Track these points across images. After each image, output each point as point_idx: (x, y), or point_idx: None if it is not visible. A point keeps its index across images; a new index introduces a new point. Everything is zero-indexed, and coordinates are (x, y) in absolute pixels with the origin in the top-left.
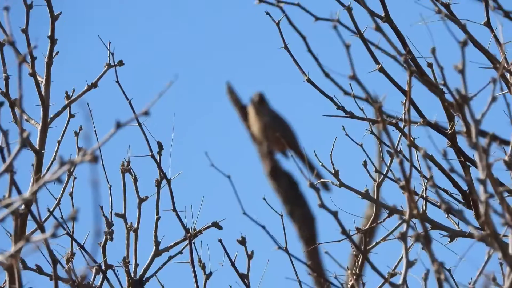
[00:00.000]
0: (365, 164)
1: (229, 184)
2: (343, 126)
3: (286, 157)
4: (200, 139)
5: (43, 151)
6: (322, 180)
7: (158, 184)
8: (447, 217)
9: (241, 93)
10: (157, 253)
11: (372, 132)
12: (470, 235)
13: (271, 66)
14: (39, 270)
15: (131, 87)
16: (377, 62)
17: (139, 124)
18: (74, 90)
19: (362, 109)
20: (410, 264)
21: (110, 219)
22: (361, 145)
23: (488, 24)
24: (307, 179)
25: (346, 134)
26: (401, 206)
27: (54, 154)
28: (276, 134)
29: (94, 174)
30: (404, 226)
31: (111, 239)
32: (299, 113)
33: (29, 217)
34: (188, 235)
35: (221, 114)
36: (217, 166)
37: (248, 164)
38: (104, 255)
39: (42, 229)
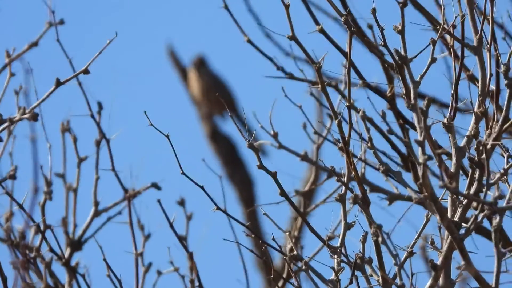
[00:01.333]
0: (304, 126)
1: (168, 144)
2: (282, 88)
3: (226, 120)
4: (140, 99)
5: None
6: (261, 141)
7: (98, 144)
8: (386, 180)
9: (181, 54)
10: (96, 213)
11: (311, 94)
12: (408, 198)
13: (212, 26)
14: None
15: (72, 46)
16: (317, 23)
17: (79, 83)
18: (14, 49)
19: (302, 71)
20: (348, 226)
21: (49, 179)
22: (300, 107)
23: None
24: (246, 140)
25: (286, 96)
26: (340, 169)
27: None
28: (216, 96)
29: (33, 133)
30: (343, 188)
31: (50, 198)
32: (239, 75)
33: None
34: (127, 195)
35: (161, 74)
36: (157, 126)
37: (188, 125)
38: (43, 214)
39: None
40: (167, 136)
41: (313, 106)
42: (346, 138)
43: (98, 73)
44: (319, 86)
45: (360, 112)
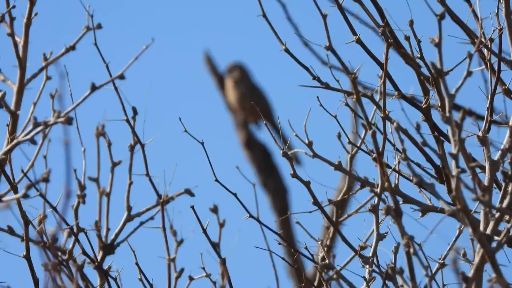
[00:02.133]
0: (339, 136)
1: (202, 151)
2: (317, 97)
3: (261, 128)
4: (175, 105)
5: (18, 112)
6: (295, 150)
7: (132, 148)
8: (419, 191)
9: (218, 62)
10: (129, 218)
11: (347, 104)
12: (441, 210)
13: (250, 34)
14: (10, 231)
15: (109, 51)
16: (354, 33)
17: (115, 88)
18: (51, 52)
19: (337, 80)
20: (380, 237)
21: (83, 183)
22: (335, 117)
23: None
24: (281, 148)
25: (321, 105)
26: (374, 179)
27: (29, 116)
28: (251, 104)
29: (68, 137)
30: (376, 199)
31: (84, 202)
32: (275, 83)
33: (2, 178)
34: (161, 201)
35: (198, 81)
36: (191, 133)
37: (223, 133)
38: (76, 218)
39: (14, 189)
40: (202, 143)
41: (348, 116)
42: (380, 149)
43: (134, 79)
44: (355, 96)
45: (395, 123)
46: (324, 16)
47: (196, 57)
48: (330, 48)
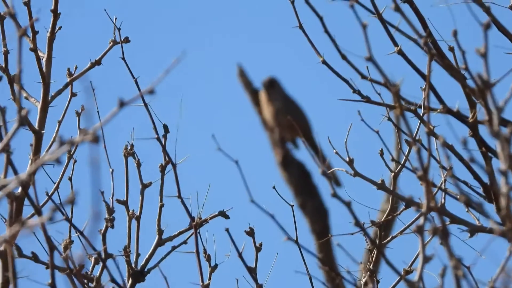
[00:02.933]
0: (381, 153)
1: (237, 170)
2: (359, 111)
3: (298, 146)
4: (208, 122)
5: (42, 131)
6: (335, 168)
7: (163, 169)
8: (467, 211)
9: (252, 76)
10: (160, 242)
11: (389, 119)
12: (490, 230)
13: (285, 47)
14: (34, 258)
15: (137, 65)
16: (395, 44)
17: (145, 104)
18: (76, 67)
19: (379, 94)
20: (427, 259)
21: (111, 205)
22: (377, 132)
23: None
24: (320, 167)
25: (362, 120)
26: (419, 198)
27: (54, 135)
28: (288, 120)
29: (95, 157)
30: (421, 219)
31: (112, 226)
32: (313, 97)
33: (26, 201)
34: (194, 224)
35: (231, 97)
36: (225, 151)
37: (258, 151)
38: (104, 243)
39: (39, 213)
40: (236, 162)
41: (391, 132)
42: (426, 167)
43: (164, 94)
44: (397, 110)
45: (440, 139)
46: (364, 26)
47: (229, 71)
48: (371, 59)
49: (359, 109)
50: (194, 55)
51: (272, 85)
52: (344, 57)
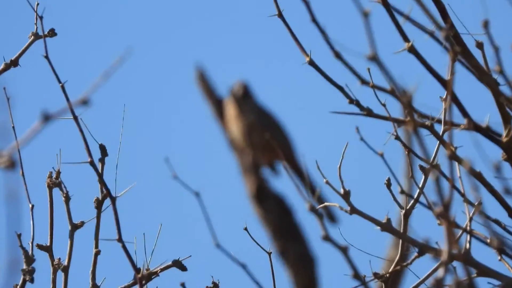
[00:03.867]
0: (387, 183)
1: (197, 204)
2: (357, 128)
3: (277, 172)
4: (160, 141)
5: None
6: (327, 203)
7: (99, 204)
8: (500, 259)
9: (217, 81)
10: None
11: (397, 137)
12: None
13: (260, 42)
14: None
15: (67, 67)
16: (406, 39)
17: (75, 118)
18: None
19: (384, 105)
20: None
21: (30, 252)
22: (382, 155)
23: None
24: (307, 202)
25: (362, 139)
26: (437, 243)
27: None
28: (264, 138)
29: (10, 187)
30: (441, 270)
31: (31, 280)
32: (297, 109)
33: None
34: (139, 277)
35: (188, 107)
36: (182, 178)
37: (225, 179)
38: None
39: None
40: (197, 194)
41: (400, 155)
42: (446, 201)
43: (102, 105)
44: (409, 126)
45: (465, 164)
46: (365, 14)
47: (185, 74)
48: (374, 58)
49: (358, 124)
50: (142, 54)
51: (244, 93)
52: (338, 55)
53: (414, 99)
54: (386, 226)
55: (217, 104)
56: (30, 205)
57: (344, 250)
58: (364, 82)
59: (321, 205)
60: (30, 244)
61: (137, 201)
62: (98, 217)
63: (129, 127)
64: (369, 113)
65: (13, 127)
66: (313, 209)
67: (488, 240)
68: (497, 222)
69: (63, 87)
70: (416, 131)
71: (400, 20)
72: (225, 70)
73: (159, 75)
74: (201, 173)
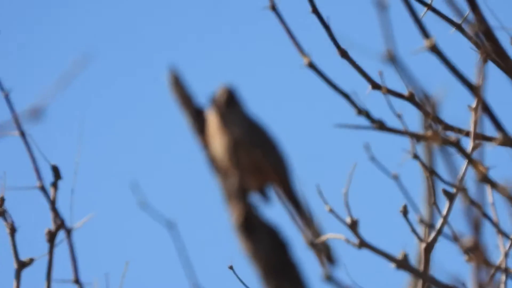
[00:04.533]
0: (404, 211)
1: (171, 237)
2: (367, 145)
3: (269, 198)
4: (125, 160)
5: None
6: (329, 235)
7: (52, 237)
8: None
9: (194, 86)
10: None
11: (416, 156)
12: None
13: (249, 40)
14: None
15: (12, 70)
16: (427, 35)
17: (22, 134)
18: None
19: (399, 116)
20: None
21: None
22: (396, 178)
23: None
24: (305, 234)
25: (372, 158)
26: (464, 284)
27: None
28: (254, 157)
29: None
30: None
31: None
32: (294, 121)
33: None
34: None
35: (161, 120)
36: (153, 205)
37: (204, 205)
38: None
39: None
40: (171, 225)
41: (419, 177)
42: (476, 233)
43: (56, 117)
44: (432, 142)
45: (501, 189)
46: (382, 5)
47: (157, 79)
48: (392, 56)
49: (368, 140)
50: (105, 57)
51: (228, 101)
52: (344, 53)
53: (437, 109)
54: (403, 263)
55: (196, 115)
56: None
57: None
58: (375, 86)
59: (323, 238)
60: None
61: (98, 233)
62: (51, 253)
63: (88, 144)
64: (381, 126)
65: None
66: (312, 244)
67: None
68: None
69: (7, 97)
70: (440, 148)
71: (420, 11)
72: (206, 74)
73: (125, 81)
74: (176, 200)
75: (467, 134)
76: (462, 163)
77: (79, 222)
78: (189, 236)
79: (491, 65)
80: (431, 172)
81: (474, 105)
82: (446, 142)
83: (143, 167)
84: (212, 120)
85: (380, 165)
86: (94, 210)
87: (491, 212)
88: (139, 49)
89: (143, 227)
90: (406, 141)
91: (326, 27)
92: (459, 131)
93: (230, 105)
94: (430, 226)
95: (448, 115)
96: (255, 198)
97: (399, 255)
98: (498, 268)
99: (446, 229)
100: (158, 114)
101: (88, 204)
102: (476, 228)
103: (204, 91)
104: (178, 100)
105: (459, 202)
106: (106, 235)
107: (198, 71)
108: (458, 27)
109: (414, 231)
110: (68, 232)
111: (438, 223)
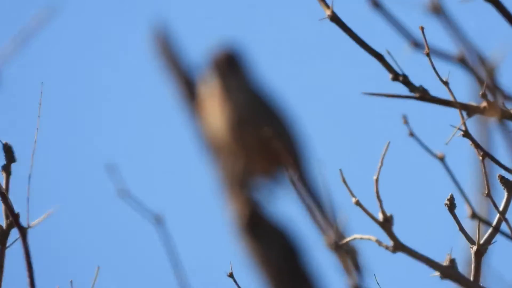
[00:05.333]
0: (450, 204)
1: (158, 235)
2: (404, 117)
3: (280, 187)
4: (98, 139)
5: None
6: (357, 235)
7: (3, 236)
8: None
9: (186, 46)
10: None
11: (467, 134)
12: None
13: None
14: None
15: None
16: None
17: None
18: None
19: (446, 83)
20: None
21: None
22: (442, 159)
23: None
24: (326, 236)
25: (411, 135)
26: None
27: None
28: (261, 135)
29: None
30: None
31: None
32: (311, 88)
33: None
34: None
35: (142, 90)
36: (134, 196)
37: (197, 197)
38: None
39: None
40: (157, 220)
41: (470, 160)
42: None
43: (11, 85)
44: (488, 116)
45: None
46: None
47: (138, 38)
48: (436, 7)
49: (406, 111)
50: (72, 11)
51: (231, 65)
52: (376, 4)
53: (497, 74)
54: (449, 271)
55: (187, 84)
56: None
57: None
58: (416, 45)
59: (348, 239)
60: None
61: (60, 231)
62: (2, 255)
63: (50, 119)
64: (423, 95)
65: None
66: (335, 245)
67: None
68: None
69: None
70: (499, 124)
71: None
72: (202, 27)
73: (97, 39)
74: (163, 189)
75: None
76: None
77: (38, 219)
78: (179, 234)
79: None
80: (485, 154)
81: None
82: (506, 115)
83: (121, 146)
84: (209, 88)
85: (421, 143)
86: (57, 202)
87: None
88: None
89: (123, 221)
90: (455, 114)
91: None
92: None
93: (232, 69)
94: (484, 222)
95: (509, 82)
96: (262, 187)
97: (444, 261)
98: None
99: (503, 227)
100: (138, 81)
101: (50, 195)
102: None
103: (198, 50)
104: (165, 64)
105: None
106: (71, 233)
107: (192, 24)
108: None
109: (462, 229)
110: (23, 231)
111: (494, 219)
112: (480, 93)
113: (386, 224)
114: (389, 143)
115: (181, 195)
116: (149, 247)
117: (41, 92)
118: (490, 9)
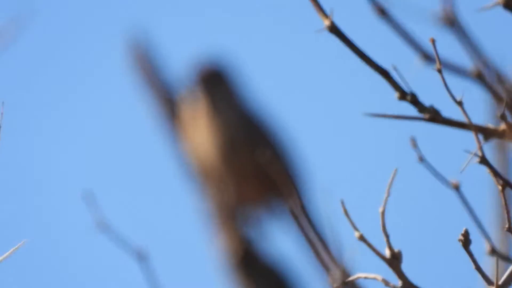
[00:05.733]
0: (464, 238)
1: (142, 272)
2: (413, 140)
3: (277, 219)
4: (69, 159)
5: None
6: (361, 274)
7: None
8: None
9: (167, 60)
10: None
11: (483, 160)
12: None
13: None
14: None
15: None
16: None
17: None
18: None
19: (459, 102)
20: None
21: None
22: (457, 188)
23: None
24: (328, 274)
25: (421, 160)
26: None
27: None
28: (252, 159)
29: None
30: None
31: None
32: (309, 108)
33: None
34: None
35: (118, 108)
36: (112, 226)
37: (183, 230)
38: None
39: None
40: (140, 256)
41: (488, 189)
42: None
43: None
44: (506, 139)
45: None
46: None
47: (113, 51)
48: (450, 18)
49: (415, 134)
50: (45, 17)
51: (218, 81)
52: (383, 11)
53: None
54: None
55: (168, 102)
56: None
57: None
58: (427, 58)
59: (351, 278)
60: None
61: (35, 265)
62: None
63: (15, 141)
64: (434, 116)
65: None
66: (339, 285)
67: None
68: None
69: None
70: None
71: None
72: (185, 39)
73: (72, 48)
74: (145, 220)
75: None
76: None
77: (7, 252)
78: (163, 269)
79: None
80: (505, 183)
81: None
82: None
83: (97, 173)
84: (194, 107)
85: (433, 170)
86: (28, 234)
87: None
88: (91, 7)
89: (102, 256)
90: (470, 138)
91: None
92: None
93: (220, 86)
94: (504, 259)
95: None
96: (256, 218)
97: None
98: None
99: None
100: (114, 99)
101: (20, 226)
102: None
103: (181, 63)
104: (143, 80)
105: None
106: (46, 269)
107: (175, 34)
108: None
109: (479, 268)
110: None
111: None
112: (499, 114)
113: (394, 261)
114: (396, 170)
115: (165, 227)
116: (131, 286)
117: (2, 113)
118: (510, 19)
